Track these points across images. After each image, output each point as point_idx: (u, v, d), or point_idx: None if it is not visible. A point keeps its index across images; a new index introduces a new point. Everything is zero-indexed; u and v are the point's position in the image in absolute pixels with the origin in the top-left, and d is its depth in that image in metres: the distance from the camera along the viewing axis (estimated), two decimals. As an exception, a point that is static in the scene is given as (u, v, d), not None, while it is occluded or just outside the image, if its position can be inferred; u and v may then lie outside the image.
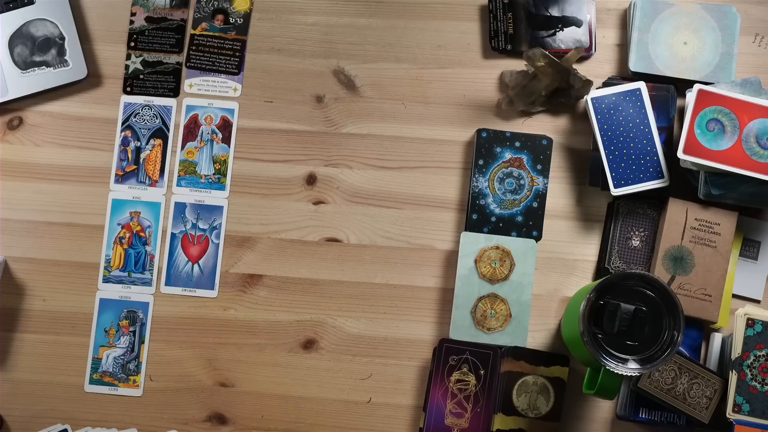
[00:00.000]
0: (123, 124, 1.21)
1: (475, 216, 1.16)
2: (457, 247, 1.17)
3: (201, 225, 1.19)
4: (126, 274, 1.18)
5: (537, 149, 1.17)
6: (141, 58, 1.22)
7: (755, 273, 1.16)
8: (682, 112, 1.18)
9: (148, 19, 1.23)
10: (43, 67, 1.20)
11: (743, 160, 1.09)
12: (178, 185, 1.20)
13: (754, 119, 1.09)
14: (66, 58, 1.21)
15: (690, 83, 1.16)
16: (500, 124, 1.21)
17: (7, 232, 1.19)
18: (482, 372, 1.12)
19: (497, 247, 1.14)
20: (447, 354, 1.12)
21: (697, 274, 1.12)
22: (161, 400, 1.16)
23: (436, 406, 1.12)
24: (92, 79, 1.22)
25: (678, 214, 1.13)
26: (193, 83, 1.22)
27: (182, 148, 1.21)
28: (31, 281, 1.18)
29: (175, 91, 1.22)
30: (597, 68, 1.21)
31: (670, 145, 1.16)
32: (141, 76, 1.22)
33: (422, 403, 1.15)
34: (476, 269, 1.14)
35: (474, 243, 1.14)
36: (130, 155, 1.21)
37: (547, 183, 1.17)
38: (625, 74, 1.20)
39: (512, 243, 1.14)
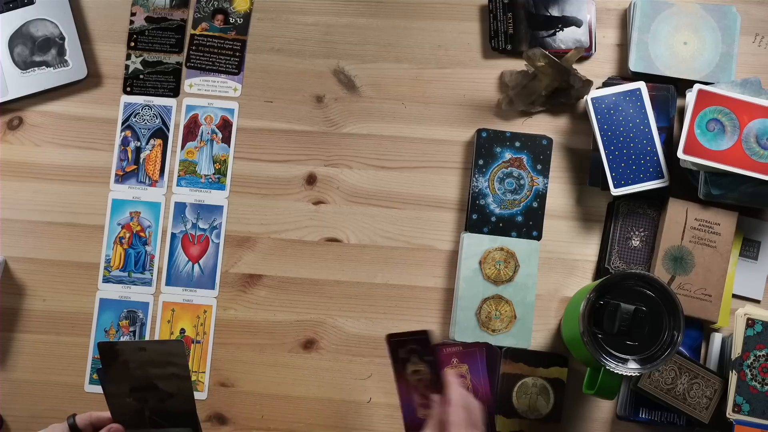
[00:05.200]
0: (123, 124, 1.21)
1: (475, 216, 1.16)
2: (457, 246, 1.17)
3: (201, 225, 1.19)
4: (126, 274, 1.18)
5: (537, 149, 1.17)
6: (141, 58, 1.22)
7: (755, 273, 1.16)
8: (682, 112, 1.18)
9: (148, 19, 1.23)
10: (43, 67, 1.20)
11: (743, 160, 1.09)
12: (178, 185, 1.20)
13: (754, 119, 1.09)
14: (66, 58, 1.21)
15: (690, 83, 1.16)
16: (500, 124, 1.21)
17: (7, 232, 1.19)
18: (428, 358, 1.07)
19: (501, 249, 1.14)
20: (395, 348, 1.05)
21: (697, 274, 1.12)
22: (161, 400, 1.16)
23: (406, 404, 1.07)
24: (92, 79, 1.22)
25: (678, 214, 1.13)
26: (193, 83, 1.22)
27: (182, 148, 1.21)
28: (31, 281, 1.18)
29: (175, 91, 1.22)
30: (597, 68, 1.21)
31: (670, 145, 1.16)
32: (141, 76, 1.22)
33: (422, 403, 1.15)
34: (480, 270, 1.14)
35: (478, 244, 1.14)
36: (130, 155, 1.21)
37: (547, 183, 1.17)
38: (625, 74, 1.20)
39: (517, 244, 1.14)
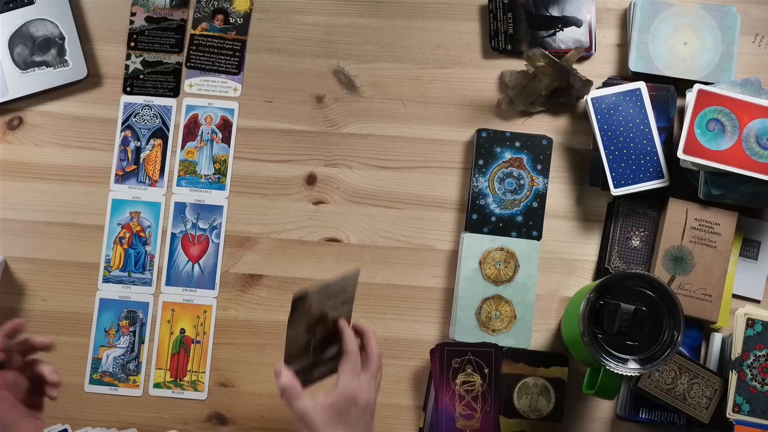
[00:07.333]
0: (123, 124, 1.21)
1: (475, 216, 1.16)
2: (457, 246, 1.17)
3: (201, 225, 1.19)
4: (126, 274, 1.18)
5: (537, 149, 1.17)
6: (141, 58, 1.22)
7: (755, 273, 1.16)
8: (682, 112, 1.18)
9: (148, 19, 1.23)
10: (43, 67, 1.20)
11: (743, 160, 1.09)
12: (178, 185, 1.20)
13: (754, 119, 1.09)
14: (66, 58, 1.20)
15: (690, 83, 1.16)
16: (500, 124, 1.21)
17: (7, 232, 1.19)
18: (486, 370, 1.12)
19: (501, 249, 1.14)
20: (449, 357, 1.12)
21: (697, 274, 1.12)
22: (161, 400, 1.16)
23: (445, 411, 1.11)
24: (92, 79, 1.22)
25: (678, 214, 1.13)
26: (193, 83, 1.22)
27: (182, 148, 1.21)
28: (31, 281, 1.18)
29: (175, 91, 1.22)
30: (597, 68, 1.21)
31: (670, 145, 1.16)
32: (141, 76, 1.22)
33: (422, 403, 1.15)
34: (480, 271, 1.14)
35: (478, 244, 1.14)
36: (130, 155, 1.21)
37: (547, 183, 1.17)
38: (625, 74, 1.20)
39: (517, 244, 1.14)
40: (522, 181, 1.17)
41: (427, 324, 1.17)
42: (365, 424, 0.94)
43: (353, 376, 0.94)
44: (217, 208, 1.20)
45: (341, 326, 0.97)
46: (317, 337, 0.97)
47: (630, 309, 1.01)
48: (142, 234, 1.19)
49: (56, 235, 1.19)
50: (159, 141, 1.21)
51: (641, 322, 1.01)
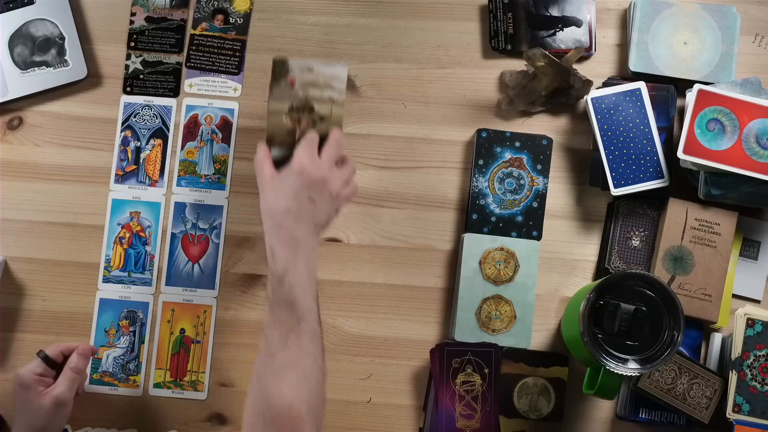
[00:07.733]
0: (123, 124, 1.21)
1: (475, 216, 1.16)
2: (458, 246, 1.17)
3: (201, 225, 1.19)
4: (126, 274, 1.18)
5: (537, 149, 1.17)
6: (141, 58, 1.22)
7: (755, 273, 1.16)
8: (682, 112, 1.18)
9: (148, 19, 1.23)
10: (43, 67, 1.20)
11: (743, 160, 1.09)
12: (178, 185, 1.20)
13: (754, 119, 1.09)
14: (66, 58, 1.21)
15: (690, 83, 1.16)
16: (500, 124, 1.21)
17: (7, 232, 1.19)
18: (486, 370, 1.12)
19: (501, 249, 1.14)
20: (449, 357, 1.12)
21: (697, 274, 1.12)
22: (161, 400, 1.16)
23: (445, 411, 1.11)
24: (92, 79, 1.22)
25: (678, 214, 1.13)
26: (193, 83, 1.22)
27: (182, 148, 1.21)
28: (31, 281, 1.18)
29: (175, 91, 1.22)
30: (597, 68, 1.21)
31: (670, 145, 1.16)
32: (141, 76, 1.22)
33: (422, 403, 1.15)
34: (480, 271, 1.14)
35: (478, 244, 1.14)
36: (130, 155, 1.21)
37: (547, 183, 1.17)
38: (625, 74, 1.20)
39: (517, 244, 1.14)
40: (522, 181, 1.17)
41: (427, 324, 1.17)
42: (310, 198, 0.99)
43: (306, 155, 0.98)
44: (217, 208, 1.20)
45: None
46: (301, 130, 1.01)
47: (630, 309, 1.01)
48: (142, 234, 1.19)
49: (56, 235, 1.19)
50: (159, 141, 1.21)
51: (641, 322, 1.01)
